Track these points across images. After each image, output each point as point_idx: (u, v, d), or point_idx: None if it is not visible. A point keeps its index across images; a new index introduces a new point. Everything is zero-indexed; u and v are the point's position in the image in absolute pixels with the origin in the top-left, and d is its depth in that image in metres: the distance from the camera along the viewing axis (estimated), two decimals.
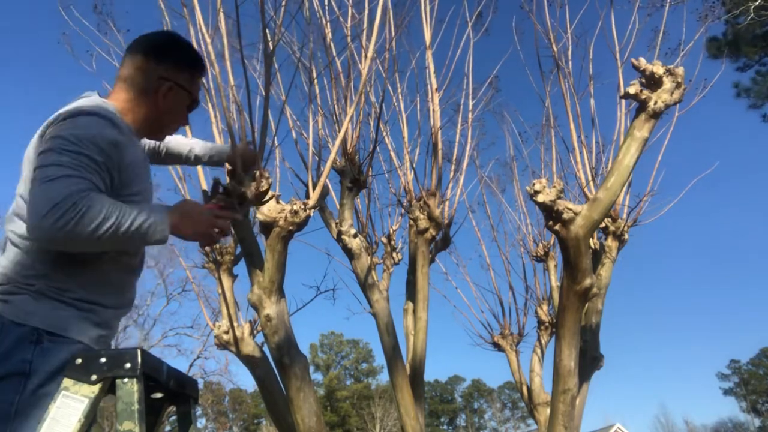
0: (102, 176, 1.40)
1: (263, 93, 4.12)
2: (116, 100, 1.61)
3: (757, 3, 8.05)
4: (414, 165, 5.45)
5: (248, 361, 5.25)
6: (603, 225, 5.84)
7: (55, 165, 1.33)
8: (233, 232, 5.59)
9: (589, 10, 6.09)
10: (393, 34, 5.40)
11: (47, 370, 1.31)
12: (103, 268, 1.50)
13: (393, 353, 4.89)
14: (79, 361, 1.27)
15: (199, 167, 4.43)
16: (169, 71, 1.64)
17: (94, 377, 1.24)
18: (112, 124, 1.49)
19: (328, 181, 4.11)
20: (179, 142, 2.04)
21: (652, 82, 3.60)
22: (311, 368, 4.09)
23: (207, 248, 1.46)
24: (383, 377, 54.47)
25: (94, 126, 1.43)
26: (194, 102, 1.72)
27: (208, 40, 4.17)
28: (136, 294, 1.71)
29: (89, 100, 1.56)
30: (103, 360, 1.27)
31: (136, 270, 1.66)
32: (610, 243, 5.90)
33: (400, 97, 5.90)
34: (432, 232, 5.11)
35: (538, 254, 7.42)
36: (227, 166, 2.26)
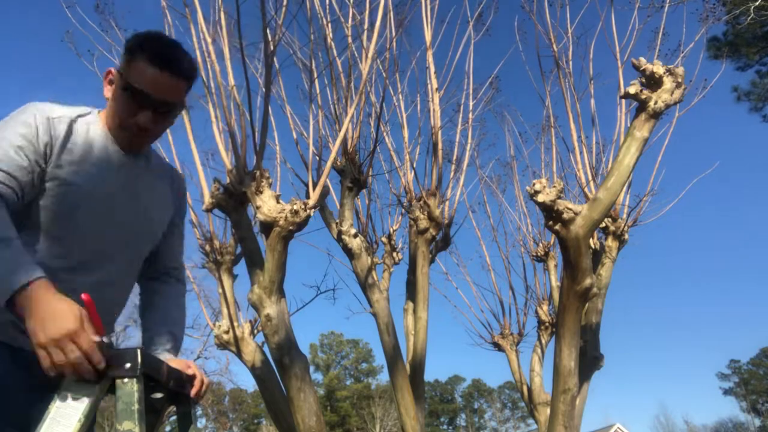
0: (20, 155, 1.29)
1: (264, 92, 4.13)
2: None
3: (757, 3, 8.05)
4: (414, 165, 5.46)
5: (248, 361, 5.25)
6: (603, 225, 5.84)
7: None
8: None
9: (589, 10, 6.10)
10: (394, 34, 5.40)
11: None
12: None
13: (393, 353, 4.89)
14: None
15: (200, 168, 4.43)
16: (117, 70, 1.46)
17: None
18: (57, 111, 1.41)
19: (328, 180, 4.12)
20: (152, 322, 1.62)
21: (653, 82, 3.60)
22: (311, 368, 4.10)
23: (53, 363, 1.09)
24: (383, 377, 54.52)
25: (31, 107, 1.38)
26: (137, 91, 1.41)
27: (209, 40, 4.18)
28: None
29: None
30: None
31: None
32: (610, 243, 5.91)
33: (400, 97, 5.91)
34: (432, 232, 5.11)
35: (538, 254, 7.43)
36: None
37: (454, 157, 5.84)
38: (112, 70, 1.46)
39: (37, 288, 1.13)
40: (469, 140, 5.92)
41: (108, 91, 1.48)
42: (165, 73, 1.41)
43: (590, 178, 5.41)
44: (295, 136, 5.33)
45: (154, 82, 1.40)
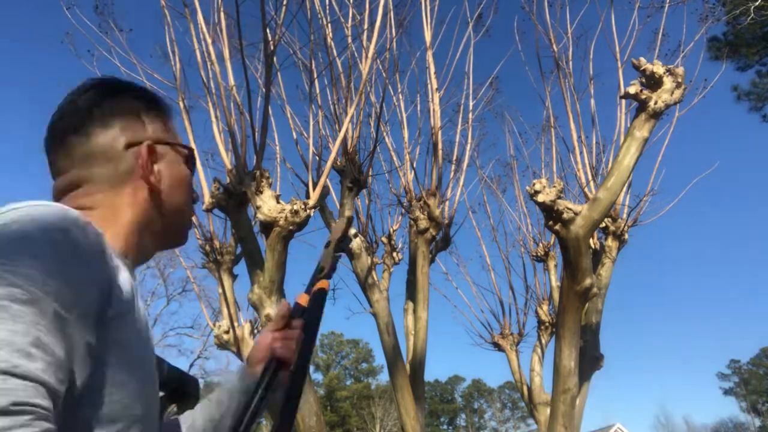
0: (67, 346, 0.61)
1: (264, 92, 4.13)
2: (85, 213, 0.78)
3: (757, 3, 8.05)
4: (414, 165, 5.47)
5: None
6: (603, 225, 5.84)
7: None
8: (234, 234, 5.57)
9: (589, 10, 6.12)
10: (393, 34, 5.41)
11: None
12: None
13: (393, 353, 4.89)
14: None
15: (200, 168, 4.43)
16: (134, 131, 0.88)
17: None
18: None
19: (328, 180, 4.12)
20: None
21: (653, 82, 3.60)
22: (311, 368, 4.09)
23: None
24: (383, 377, 54.52)
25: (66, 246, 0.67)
26: (190, 155, 0.94)
27: (209, 41, 4.18)
28: None
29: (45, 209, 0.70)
30: None
31: None
32: (610, 243, 5.91)
33: (400, 97, 5.92)
34: (432, 232, 5.12)
35: (538, 254, 7.43)
36: None
37: (454, 157, 5.85)
38: (152, 145, 0.89)
39: None
40: (469, 140, 5.94)
41: (147, 178, 0.87)
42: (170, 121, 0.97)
43: (590, 178, 5.42)
44: (295, 136, 5.34)
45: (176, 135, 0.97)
